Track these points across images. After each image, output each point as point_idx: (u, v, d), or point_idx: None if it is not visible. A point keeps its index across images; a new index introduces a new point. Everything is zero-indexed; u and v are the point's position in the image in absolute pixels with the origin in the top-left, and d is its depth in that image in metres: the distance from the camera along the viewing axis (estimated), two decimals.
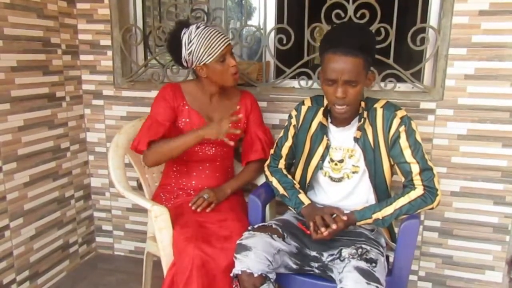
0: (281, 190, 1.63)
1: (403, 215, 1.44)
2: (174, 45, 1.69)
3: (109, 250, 2.58)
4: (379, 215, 1.43)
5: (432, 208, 1.44)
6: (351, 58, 1.35)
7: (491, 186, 1.94)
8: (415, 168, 1.44)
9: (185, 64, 1.71)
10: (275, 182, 1.67)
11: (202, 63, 1.65)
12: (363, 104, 1.51)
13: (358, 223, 1.46)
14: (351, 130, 1.53)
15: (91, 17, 2.28)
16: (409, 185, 1.46)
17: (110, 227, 2.54)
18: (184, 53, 1.66)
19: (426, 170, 1.44)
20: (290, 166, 1.74)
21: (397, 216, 1.44)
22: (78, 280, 2.28)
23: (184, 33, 1.66)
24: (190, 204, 1.67)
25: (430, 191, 1.43)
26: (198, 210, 1.65)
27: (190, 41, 1.63)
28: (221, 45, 1.63)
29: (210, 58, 1.63)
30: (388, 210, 1.43)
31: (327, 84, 1.42)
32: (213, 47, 1.62)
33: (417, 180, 1.44)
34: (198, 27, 1.65)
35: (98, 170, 2.48)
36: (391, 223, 1.54)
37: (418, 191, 1.44)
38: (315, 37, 2.07)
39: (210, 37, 1.62)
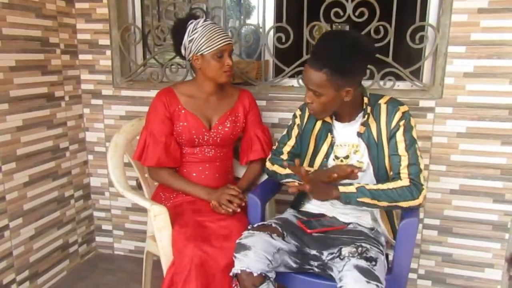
0: (283, 172, 1.62)
1: (386, 199, 1.41)
2: (178, 30, 1.70)
3: (109, 249, 2.58)
4: (364, 185, 1.42)
5: (419, 205, 1.43)
6: (314, 71, 1.39)
7: (491, 184, 1.95)
8: (404, 161, 1.46)
9: (183, 51, 1.71)
10: (276, 168, 1.65)
11: (199, 53, 1.66)
12: (366, 100, 1.51)
13: (341, 188, 1.41)
14: (355, 126, 1.54)
15: (89, 17, 2.28)
16: (396, 177, 1.47)
17: (110, 227, 2.54)
18: (186, 39, 1.67)
19: (413, 164, 1.45)
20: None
21: (381, 196, 1.40)
22: (78, 280, 2.29)
23: (192, 22, 1.68)
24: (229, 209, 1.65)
25: (416, 185, 1.43)
26: (230, 210, 1.65)
27: (195, 29, 1.65)
28: (222, 41, 1.64)
29: (208, 50, 1.64)
30: (373, 186, 1.42)
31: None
32: (214, 40, 1.63)
33: (403, 173, 1.45)
34: (206, 21, 1.68)
35: (97, 169, 2.48)
36: (391, 217, 1.54)
37: (405, 182, 1.44)
38: (314, 35, 2.07)
39: (214, 31, 1.65)
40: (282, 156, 1.70)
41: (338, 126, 1.57)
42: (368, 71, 1.95)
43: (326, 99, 1.42)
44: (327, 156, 1.58)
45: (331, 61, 1.37)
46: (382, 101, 1.52)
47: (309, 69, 1.41)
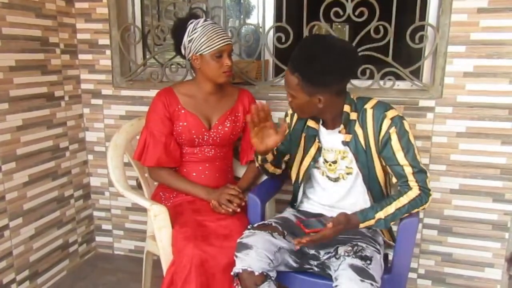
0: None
1: (401, 215, 1.43)
2: (179, 30, 1.71)
3: (109, 249, 2.58)
4: (381, 214, 1.42)
5: (423, 209, 1.45)
6: (288, 73, 1.42)
7: (490, 183, 1.95)
8: (408, 170, 1.43)
9: (183, 51, 1.72)
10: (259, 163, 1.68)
11: (198, 53, 1.66)
12: (346, 108, 1.47)
13: (361, 225, 1.42)
14: (340, 134, 1.52)
15: (89, 16, 2.28)
16: (404, 186, 1.45)
17: (110, 227, 2.54)
18: (185, 39, 1.67)
19: (419, 171, 1.43)
20: (278, 162, 1.70)
21: (397, 216, 1.43)
22: (78, 280, 2.29)
23: (192, 22, 1.68)
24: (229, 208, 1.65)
25: (425, 191, 1.43)
26: (230, 210, 1.65)
27: (195, 29, 1.65)
28: (222, 41, 1.64)
29: (207, 50, 1.64)
30: (389, 210, 1.42)
31: None
32: (213, 40, 1.63)
33: (412, 181, 1.43)
34: (206, 21, 1.68)
35: (97, 169, 2.47)
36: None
37: (415, 191, 1.43)
38: None
39: (214, 31, 1.65)
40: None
41: (324, 133, 1.56)
42: (368, 71, 1.95)
43: (299, 101, 1.43)
44: (314, 159, 1.57)
45: (301, 67, 1.37)
46: (368, 106, 1.49)
47: (287, 71, 1.43)
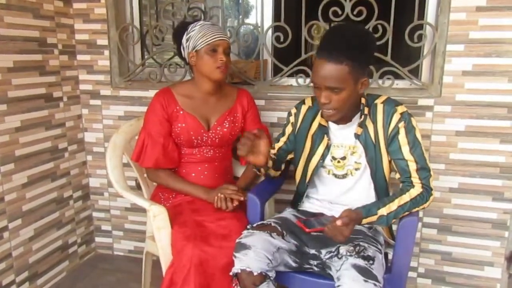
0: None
1: (403, 213, 1.43)
2: (180, 31, 1.73)
3: (108, 250, 2.58)
4: (383, 211, 1.41)
5: (423, 208, 1.45)
6: (334, 64, 1.32)
7: (490, 182, 1.95)
8: (413, 166, 1.44)
9: (182, 51, 1.73)
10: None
11: (195, 49, 1.67)
12: (363, 100, 1.50)
13: (364, 220, 1.40)
14: (352, 127, 1.53)
15: (87, 17, 2.28)
16: (407, 182, 1.46)
17: (109, 227, 2.54)
18: (184, 38, 1.69)
19: (423, 169, 1.44)
20: (280, 163, 1.70)
21: (399, 214, 1.42)
22: (77, 281, 2.28)
23: (190, 25, 1.71)
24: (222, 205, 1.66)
25: (427, 190, 1.43)
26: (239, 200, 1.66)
27: (193, 28, 1.68)
28: (216, 36, 1.65)
29: (202, 44, 1.65)
30: (392, 207, 1.42)
31: (314, 87, 1.42)
32: (209, 35, 1.65)
33: (415, 178, 1.44)
34: (206, 21, 1.72)
35: (96, 170, 2.47)
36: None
37: (418, 189, 1.43)
38: (313, 34, 2.07)
39: (210, 28, 1.67)
40: (271, 151, 1.66)
41: (334, 128, 1.56)
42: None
43: (346, 94, 1.37)
44: (323, 157, 1.57)
45: (351, 52, 1.33)
46: (378, 101, 1.51)
47: (326, 65, 1.33)
